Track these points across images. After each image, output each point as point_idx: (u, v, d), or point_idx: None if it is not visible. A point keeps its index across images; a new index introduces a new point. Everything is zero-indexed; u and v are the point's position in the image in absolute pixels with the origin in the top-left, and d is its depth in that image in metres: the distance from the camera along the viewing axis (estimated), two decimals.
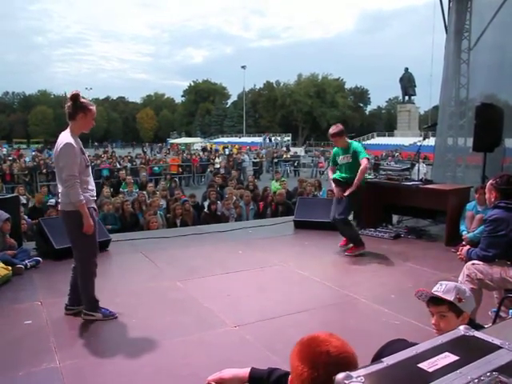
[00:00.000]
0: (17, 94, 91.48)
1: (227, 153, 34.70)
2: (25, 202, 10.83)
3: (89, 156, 4.01)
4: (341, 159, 6.15)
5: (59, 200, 3.89)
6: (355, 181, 5.85)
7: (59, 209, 3.92)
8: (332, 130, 6.12)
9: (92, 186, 3.92)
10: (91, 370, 3.15)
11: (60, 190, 3.81)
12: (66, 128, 3.81)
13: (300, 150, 39.86)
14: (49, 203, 9.65)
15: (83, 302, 3.96)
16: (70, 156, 3.64)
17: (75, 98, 3.72)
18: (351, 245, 6.18)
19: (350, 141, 6.23)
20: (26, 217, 8.06)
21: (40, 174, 18.64)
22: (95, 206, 4.06)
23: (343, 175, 6.13)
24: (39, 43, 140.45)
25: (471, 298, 2.23)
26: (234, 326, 3.85)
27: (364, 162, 5.92)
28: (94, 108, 3.82)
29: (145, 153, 40.28)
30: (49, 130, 78.88)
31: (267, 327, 3.80)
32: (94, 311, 3.92)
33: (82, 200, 3.67)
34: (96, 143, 66.92)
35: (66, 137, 3.71)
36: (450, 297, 2.27)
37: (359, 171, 5.88)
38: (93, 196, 3.92)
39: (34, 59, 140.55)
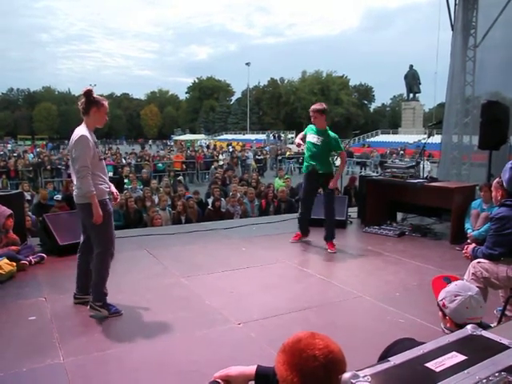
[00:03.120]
0: (21, 91, 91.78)
1: (231, 150, 34.71)
2: (29, 198, 10.84)
3: None
4: (311, 137, 6.11)
5: (74, 193, 3.93)
6: (337, 175, 6.23)
7: (78, 202, 3.95)
8: (316, 105, 6.14)
9: (106, 178, 4.02)
10: (95, 366, 3.16)
11: (76, 184, 3.87)
12: (80, 124, 3.91)
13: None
14: (55, 198, 9.69)
15: (92, 293, 3.99)
16: (83, 147, 3.74)
17: (88, 93, 3.84)
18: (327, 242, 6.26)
19: (328, 128, 6.18)
20: (29, 213, 8.06)
21: (44, 170, 18.70)
22: (110, 197, 4.12)
23: (314, 160, 6.09)
24: (44, 40, 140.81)
25: (459, 311, 2.18)
26: (238, 323, 3.85)
27: (343, 155, 6.34)
28: (106, 103, 3.96)
29: (143, 149, 40.49)
30: (53, 127, 79.33)
31: (271, 324, 3.80)
32: (101, 306, 3.94)
33: (92, 191, 3.74)
34: (97, 140, 67.00)
35: (80, 130, 3.83)
36: (439, 297, 2.29)
37: (341, 164, 6.35)
38: (107, 188, 4.01)
39: (39, 56, 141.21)
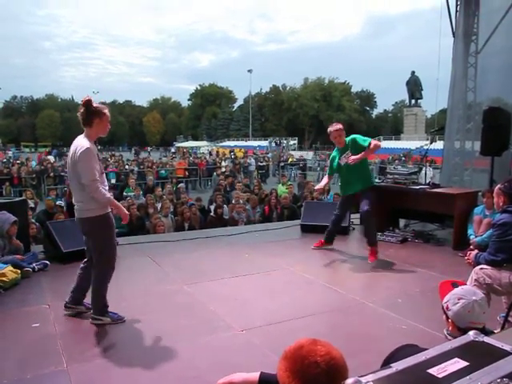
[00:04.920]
0: (25, 98, 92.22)
1: (233, 156, 34.82)
2: (33, 205, 10.85)
3: None
4: (342, 160, 5.91)
5: (76, 207, 3.83)
6: (363, 153, 5.66)
7: (76, 216, 3.85)
8: (333, 126, 5.91)
9: (107, 191, 3.91)
10: (98, 373, 3.16)
11: (77, 197, 3.76)
12: (81, 133, 3.78)
13: (306, 154, 39.79)
14: (57, 203, 9.72)
15: (92, 305, 3.97)
16: (90, 160, 3.61)
17: (88, 103, 3.69)
18: (369, 250, 5.93)
19: (345, 139, 5.96)
20: (33, 220, 8.07)
21: (47, 177, 18.75)
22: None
23: (350, 184, 5.98)
24: (47, 48, 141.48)
25: (461, 315, 2.19)
26: (241, 329, 3.85)
27: (373, 142, 5.74)
28: (107, 111, 3.81)
29: (137, 155, 40.96)
30: (56, 134, 79.70)
31: (274, 331, 3.80)
32: (102, 315, 3.93)
33: (109, 198, 3.73)
34: (100, 147, 67.76)
35: (83, 142, 3.67)
36: (444, 300, 2.30)
37: (369, 148, 5.69)
38: None
39: (42, 63, 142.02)
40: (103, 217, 3.78)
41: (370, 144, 5.73)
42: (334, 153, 6.14)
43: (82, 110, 3.71)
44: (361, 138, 5.83)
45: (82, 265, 4.12)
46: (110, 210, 3.89)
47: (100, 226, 3.79)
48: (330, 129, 5.94)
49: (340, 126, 6.01)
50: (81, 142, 3.67)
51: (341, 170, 6.03)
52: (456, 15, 8.84)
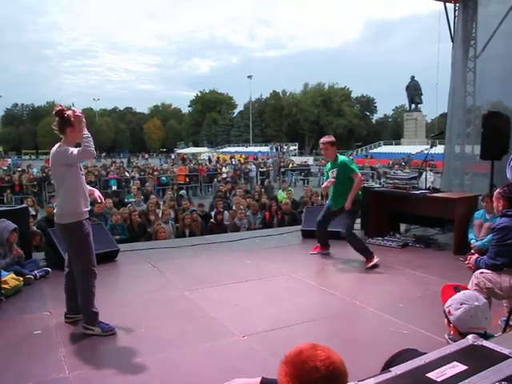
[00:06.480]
0: (26, 106, 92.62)
1: (234, 163, 34.84)
2: (34, 213, 10.84)
3: (95, 167, 4.04)
4: (330, 174, 6.12)
5: (55, 211, 3.88)
6: (348, 200, 5.84)
7: (55, 222, 3.89)
8: (325, 138, 6.15)
9: (88, 195, 3.94)
10: (100, 380, 3.16)
11: (56, 202, 3.82)
12: (59, 141, 3.86)
13: (307, 159, 39.81)
14: None
15: (82, 314, 3.95)
16: (70, 149, 3.67)
17: (60, 113, 3.73)
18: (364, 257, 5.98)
19: (338, 154, 6.18)
20: (34, 227, 8.08)
21: (49, 184, 18.77)
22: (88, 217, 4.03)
23: (334, 199, 6.15)
24: (48, 55, 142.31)
25: (462, 319, 2.21)
26: (242, 335, 3.85)
27: (357, 177, 5.93)
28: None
29: (129, 162, 41.03)
30: (57, 141, 79.78)
31: (275, 337, 3.80)
32: (92, 325, 3.87)
33: (87, 144, 3.65)
34: (103, 153, 68.13)
35: (61, 144, 3.78)
36: (446, 304, 2.32)
37: (353, 189, 5.88)
38: (87, 207, 3.92)
39: (43, 71, 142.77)
40: (74, 224, 3.77)
41: (355, 177, 5.91)
42: (328, 164, 6.36)
43: (56, 120, 3.77)
44: (349, 165, 5.97)
45: (65, 271, 4.11)
46: (84, 217, 3.86)
47: (71, 233, 3.81)
48: (329, 139, 6.11)
49: (326, 139, 6.12)
50: (59, 146, 3.77)
51: (334, 184, 6.13)
52: (454, 20, 8.88)
